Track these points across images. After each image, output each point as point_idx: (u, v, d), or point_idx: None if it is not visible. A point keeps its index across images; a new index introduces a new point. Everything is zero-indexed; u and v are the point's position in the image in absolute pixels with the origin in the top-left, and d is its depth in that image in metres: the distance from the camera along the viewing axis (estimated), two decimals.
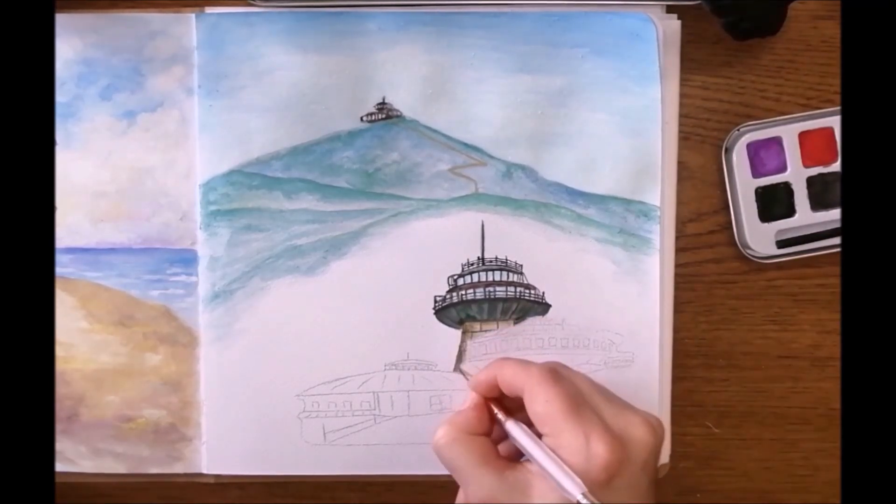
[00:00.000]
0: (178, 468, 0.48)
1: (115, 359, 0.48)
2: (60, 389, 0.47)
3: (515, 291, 0.47)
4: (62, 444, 0.48)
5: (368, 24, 0.46)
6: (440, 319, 0.47)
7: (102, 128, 0.47)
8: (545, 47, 0.46)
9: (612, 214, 0.47)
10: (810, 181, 0.47)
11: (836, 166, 0.47)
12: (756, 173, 0.47)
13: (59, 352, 0.47)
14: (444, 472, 0.47)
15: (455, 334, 0.47)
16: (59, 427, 0.48)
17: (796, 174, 0.47)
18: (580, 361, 0.47)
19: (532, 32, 0.46)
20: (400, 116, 0.47)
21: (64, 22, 0.46)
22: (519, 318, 0.47)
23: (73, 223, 0.47)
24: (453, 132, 0.47)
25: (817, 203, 0.47)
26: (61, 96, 0.47)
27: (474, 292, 0.47)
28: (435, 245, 0.47)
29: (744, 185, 0.47)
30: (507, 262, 0.47)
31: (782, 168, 0.47)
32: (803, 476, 0.50)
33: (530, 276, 0.47)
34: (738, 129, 0.47)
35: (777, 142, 0.47)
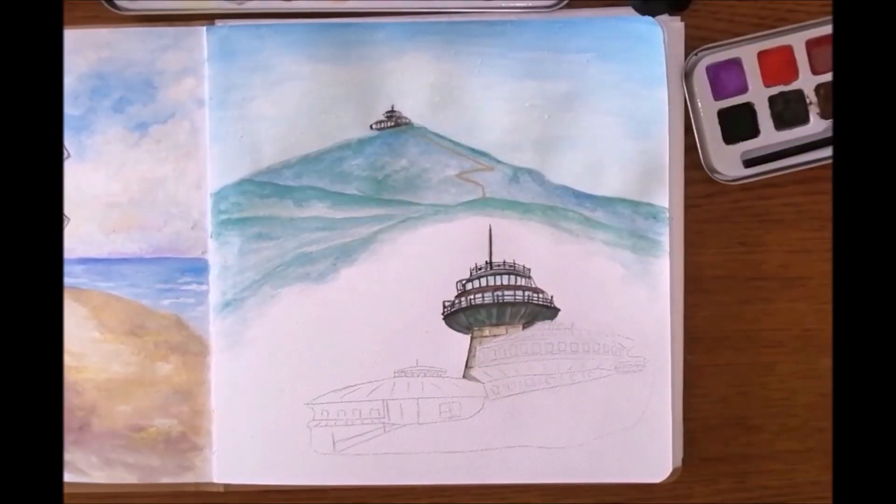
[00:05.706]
0: (188, 477, 0.48)
1: (127, 368, 0.48)
2: (72, 399, 0.48)
3: (524, 295, 0.47)
4: (73, 455, 0.48)
5: (377, 35, 0.47)
6: (449, 325, 0.47)
7: (115, 140, 0.47)
8: (551, 53, 0.46)
9: (621, 217, 0.47)
10: (772, 100, 0.47)
11: (797, 84, 0.47)
12: (717, 95, 0.47)
13: (71, 362, 0.48)
14: (456, 482, 0.47)
15: (464, 340, 0.47)
16: (70, 437, 0.48)
17: (757, 94, 0.47)
18: (591, 366, 0.47)
19: (538, 39, 0.46)
20: (408, 124, 0.47)
21: (78, 37, 0.47)
22: (528, 323, 0.47)
23: (85, 234, 0.48)
24: (461, 138, 0.47)
25: (781, 122, 0.47)
26: (75, 109, 0.47)
27: (483, 296, 0.47)
28: (443, 250, 0.47)
29: (706, 108, 0.47)
30: (515, 266, 0.47)
31: (743, 89, 0.47)
32: (780, 399, 0.48)
33: (538, 280, 0.47)
34: (696, 53, 0.47)
35: (736, 63, 0.47)
